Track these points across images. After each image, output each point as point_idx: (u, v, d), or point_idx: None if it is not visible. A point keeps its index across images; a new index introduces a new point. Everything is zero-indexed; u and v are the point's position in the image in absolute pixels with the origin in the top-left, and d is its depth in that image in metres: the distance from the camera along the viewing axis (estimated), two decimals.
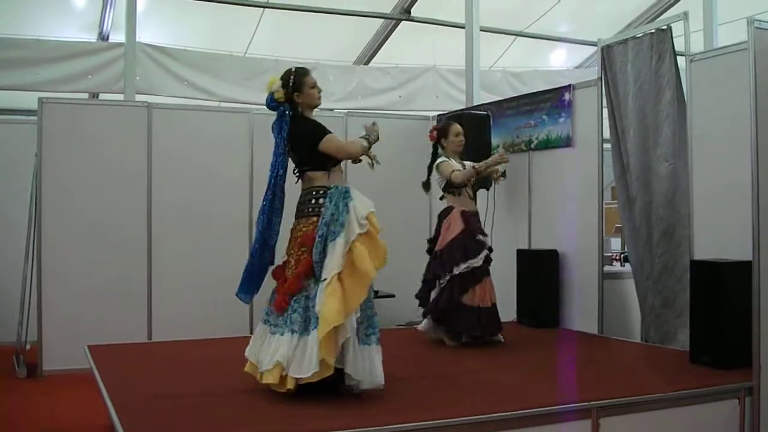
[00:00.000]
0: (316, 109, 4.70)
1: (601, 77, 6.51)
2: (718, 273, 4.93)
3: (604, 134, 6.58)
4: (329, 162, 4.51)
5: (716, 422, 4.55)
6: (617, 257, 8.60)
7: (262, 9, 10.21)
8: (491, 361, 5.51)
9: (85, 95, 9.96)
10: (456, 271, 5.93)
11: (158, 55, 9.91)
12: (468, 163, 6.20)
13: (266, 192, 4.49)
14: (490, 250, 6.14)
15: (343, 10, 10.40)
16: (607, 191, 6.86)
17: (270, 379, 4.20)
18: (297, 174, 4.57)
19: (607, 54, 6.48)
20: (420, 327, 6.27)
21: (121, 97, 8.79)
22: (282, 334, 4.24)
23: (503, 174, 6.46)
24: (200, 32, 10.61)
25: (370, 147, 4.64)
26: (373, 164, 4.69)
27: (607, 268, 6.94)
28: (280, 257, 4.57)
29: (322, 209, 4.35)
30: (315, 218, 4.37)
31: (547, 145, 7.04)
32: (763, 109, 4.59)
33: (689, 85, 5.61)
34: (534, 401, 4.17)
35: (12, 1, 9.51)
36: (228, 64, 10.49)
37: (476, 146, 6.71)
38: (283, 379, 4.18)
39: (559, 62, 12.94)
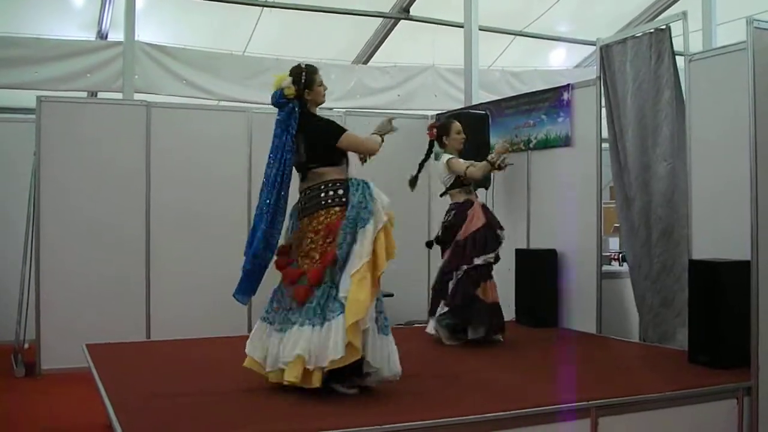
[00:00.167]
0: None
1: (600, 77, 6.51)
2: (717, 273, 4.93)
3: (603, 134, 6.58)
4: (341, 158, 4.57)
5: (715, 422, 4.55)
6: (616, 257, 8.60)
7: (261, 8, 10.21)
8: (490, 361, 5.51)
9: (84, 94, 9.96)
10: (475, 262, 5.97)
11: (157, 53, 9.90)
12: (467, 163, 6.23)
13: (269, 191, 4.41)
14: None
15: (342, 9, 10.41)
16: (605, 191, 6.87)
17: (292, 374, 4.15)
18: (299, 171, 4.57)
19: (606, 53, 6.48)
20: (428, 329, 6.22)
21: (119, 95, 8.80)
22: (301, 326, 4.22)
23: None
24: (199, 31, 10.61)
25: (382, 143, 4.70)
26: (365, 160, 4.72)
27: (605, 267, 6.94)
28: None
29: (344, 199, 4.41)
30: (338, 208, 4.40)
31: (545, 144, 7.04)
32: (762, 108, 4.59)
33: (688, 85, 5.61)
34: (533, 401, 4.17)
35: (11, 0, 9.50)
36: (227, 63, 10.49)
37: (475, 145, 6.71)
38: (307, 374, 4.16)
39: (558, 62, 12.94)
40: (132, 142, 7.29)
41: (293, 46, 10.76)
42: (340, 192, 4.44)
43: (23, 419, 5.59)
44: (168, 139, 7.39)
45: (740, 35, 4.81)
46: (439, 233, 6.32)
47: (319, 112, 4.72)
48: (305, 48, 10.76)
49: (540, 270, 6.80)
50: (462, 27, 9.08)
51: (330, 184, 4.47)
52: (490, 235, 6.08)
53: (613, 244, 8.79)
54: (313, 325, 4.20)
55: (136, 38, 8.75)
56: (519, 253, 7.06)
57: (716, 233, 5.32)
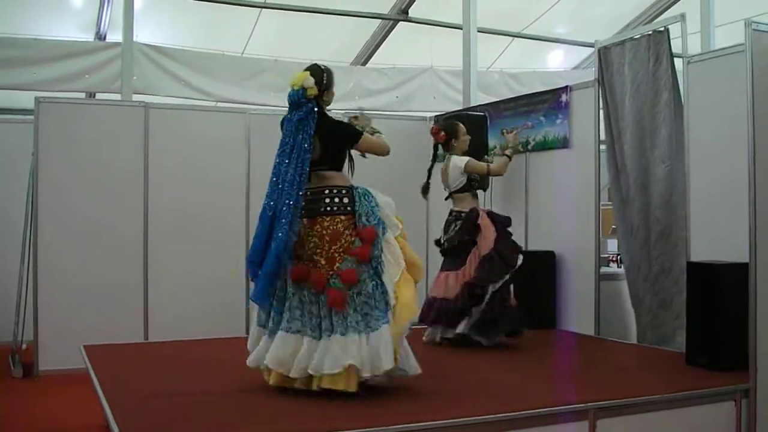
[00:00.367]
0: None
1: (599, 79, 6.51)
2: (715, 275, 4.93)
3: (601, 136, 6.58)
4: (345, 161, 4.57)
5: (712, 424, 4.55)
6: (614, 258, 8.60)
7: (259, 9, 10.21)
8: (488, 362, 5.51)
9: (82, 95, 9.96)
10: (507, 275, 5.97)
11: (155, 54, 9.90)
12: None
13: (289, 191, 4.27)
14: None
15: (340, 10, 10.40)
16: (603, 192, 6.87)
17: (341, 383, 4.15)
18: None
19: (605, 55, 6.48)
20: (425, 338, 6.18)
21: (118, 96, 8.80)
22: (343, 334, 4.21)
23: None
24: (197, 32, 10.61)
25: None
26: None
27: (603, 269, 6.94)
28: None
29: (349, 208, 4.41)
30: (343, 217, 4.40)
31: (544, 146, 7.04)
32: (761, 111, 4.59)
33: (686, 87, 5.62)
34: (531, 402, 4.16)
35: (9, 0, 9.50)
36: (225, 64, 10.49)
37: (474, 147, 6.70)
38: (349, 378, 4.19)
39: (557, 63, 12.95)
40: (130, 143, 7.29)
41: (291, 47, 10.76)
42: (345, 200, 4.44)
43: (21, 420, 5.58)
44: (166, 140, 7.39)
45: (738, 37, 4.81)
46: (444, 243, 6.26)
47: None
48: (303, 49, 10.75)
49: (538, 272, 6.79)
50: (460, 28, 9.08)
51: (335, 190, 4.46)
52: (510, 243, 6.11)
53: (611, 245, 8.79)
54: (359, 333, 4.21)
55: (134, 39, 8.75)
56: None
57: (714, 235, 5.32)
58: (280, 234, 4.22)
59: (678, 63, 5.92)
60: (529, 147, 7.17)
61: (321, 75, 4.52)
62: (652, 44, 6.05)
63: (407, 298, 4.35)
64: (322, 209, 4.41)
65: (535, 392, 4.50)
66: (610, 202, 7.04)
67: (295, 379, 4.29)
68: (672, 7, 11.14)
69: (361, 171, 4.72)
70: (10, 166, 8.04)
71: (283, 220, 4.23)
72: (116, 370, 4.97)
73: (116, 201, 7.21)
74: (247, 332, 7.09)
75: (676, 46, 5.95)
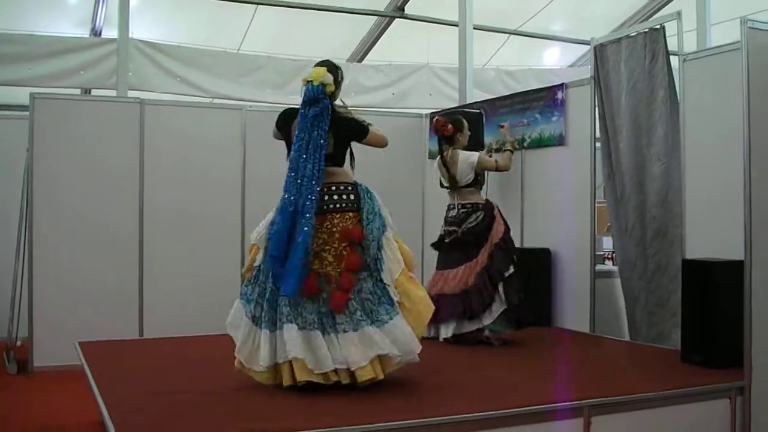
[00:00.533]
0: None
1: (595, 76, 6.51)
2: (710, 273, 4.93)
3: (597, 133, 6.58)
4: (348, 158, 4.60)
5: (707, 422, 4.56)
6: (609, 256, 8.61)
7: (255, 5, 10.19)
8: (483, 360, 5.51)
9: (78, 91, 9.94)
10: (515, 261, 6.10)
11: (151, 51, 9.90)
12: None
13: (308, 188, 4.29)
14: None
15: (336, 7, 10.40)
16: (599, 190, 6.88)
17: (368, 374, 4.26)
18: None
19: (601, 53, 6.49)
20: (449, 335, 6.11)
21: (113, 93, 8.79)
22: (356, 330, 4.28)
23: None
24: (193, 28, 10.59)
25: None
26: None
27: (599, 266, 6.95)
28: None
29: (356, 204, 4.47)
30: (351, 213, 4.45)
31: (539, 143, 7.04)
32: (756, 108, 4.59)
33: (682, 85, 5.62)
34: (525, 400, 4.16)
35: None
36: (221, 60, 10.49)
37: (470, 144, 6.70)
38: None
39: (553, 61, 12.96)
40: (126, 139, 7.28)
41: (287, 44, 10.77)
42: (352, 197, 4.49)
43: (15, 417, 5.57)
44: (162, 136, 7.37)
45: (734, 35, 4.82)
46: (459, 235, 6.19)
47: None
48: (300, 46, 10.77)
49: (533, 269, 6.79)
50: (457, 26, 9.08)
51: (342, 187, 4.49)
52: (510, 235, 6.23)
53: (607, 243, 8.80)
54: (371, 324, 4.30)
55: (130, 35, 8.74)
56: None
57: (710, 233, 5.33)
58: (306, 228, 4.24)
59: (674, 61, 5.92)
60: (525, 144, 7.17)
61: (336, 71, 4.58)
62: (648, 42, 6.05)
63: (421, 295, 4.52)
64: (332, 206, 4.44)
65: (530, 389, 4.50)
66: (605, 200, 7.04)
67: (307, 372, 4.26)
68: (668, 5, 11.15)
69: (357, 167, 4.72)
70: (5, 163, 8.02)
71: (308, 215, 4.26)
72: (112, 367, 4.96)
73: (111, 197, 7.19)
74: None
75: (672, 44, 5.96)
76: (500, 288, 5.97)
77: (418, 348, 4.40)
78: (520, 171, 7.22)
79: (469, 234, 6.14)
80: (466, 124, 6.41)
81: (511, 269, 6.04)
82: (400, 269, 4.46)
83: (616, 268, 6.98)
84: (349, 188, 4.52)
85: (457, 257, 6.18)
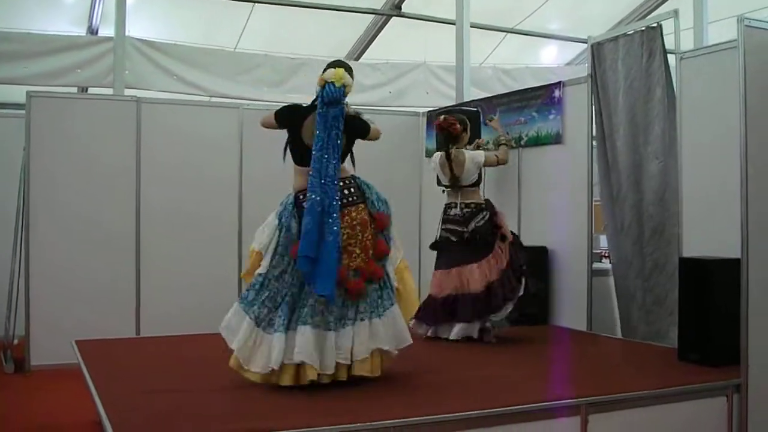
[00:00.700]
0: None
1: (592, 74, 6.51)
2: (707, 271, 4.94)
3: (594, 131, 6.58)
4: (347, 154, 4.65)
5: (704, 420, 4.56)
6: (606, 254, 8.60)
7: (252, 4, 10.18)
8: (480, 358, 5.51)
9: (74, 89, 9.93)
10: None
11: (148, 49, 9.89)
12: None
13: (332, 188, 4.35)
14: None
15: (333, 5, 10.39)
16: (596, 188, 6.87)
17: (366, 369, 4.39)
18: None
19: (598, 51, 6.49)
20: (464, 334, 6.12)
21: (110, 91, 8.78)
22: (363, 320, 4.41)
23: None
24: (190, 27, 10.58)
25: None
26: None
27: (596, 264, 6.95)
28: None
29: (362, 196, 4.57)
30: (363, 205, 4.55)
31: (537, 142, 7.04)
32: (753, 106, 4.60)
33: (679, 83, 5.62)
34: (522, 398, 4.16)
35: None
36: (218, 59, 10.49)
37: (468, 142, 6.71)
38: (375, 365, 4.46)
39: (550, 59, 12.96)
40: (122, 137, 7.26)
41: (284, 42, 10.77)
42: (354, 189, 4.55)
43: (13, 415, 5.57)
44: (158, 135, 7.36)
45: (731, 34, 4.82)
46: (470, 235, 6.17)
47: None
48: (297, 44, 10.78)
49: (530, 267, 6.78)
50: (454, 24, 9.08)
51: (347, 181, 4.54)
52: None
53: (604, 241, 8.78)
54: (378, 316, 4.44)
55: (126, 34, 8.72)
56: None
57: (707, 231, 5.33)
58: (335, 228, 4.31)
59: (671, 59, 5.92)
60: (522, 143, 7.17)
61: (351, 72, 4.61)
62: (645, 40, 6.05)
63: (414, 287, 4.78)
64: (346, 200, 4.49)
65: (526, 387, 4.51)
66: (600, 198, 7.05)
67: (315, 373, 4.29)
68: (665, 3, 11.17)
69: (358, 166, 4.73)
70: (2, 161, 7.99)
71: (335, 215, 4.33)
72: (108, 366, 4.95)
73: (108, 196, 7.18)
74: None
75: (669, 42, 5.96)
76: (522, 281, 6.09)
77: (409, 338, 4.59)
78: (517, 169, 7.22)
79: (476, 233, 6.14)
80: (468, 123, 6.43)
81: (523, 264, 6.17)
82: (401, 256, 4.66)
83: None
84: (351, 181, 4.58)
85: (465, 257, 6.15)
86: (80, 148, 7.10)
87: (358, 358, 4.37)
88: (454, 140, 6.30)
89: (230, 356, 4.43)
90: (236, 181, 7.61)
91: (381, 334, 4.42)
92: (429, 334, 6.16)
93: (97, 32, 10.14)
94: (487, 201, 6.33)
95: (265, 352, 4.32)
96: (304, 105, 4.65)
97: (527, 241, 7.01)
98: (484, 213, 6.19)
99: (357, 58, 11.64)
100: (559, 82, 6.93)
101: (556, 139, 6.83)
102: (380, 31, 11.32)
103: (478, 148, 6.69)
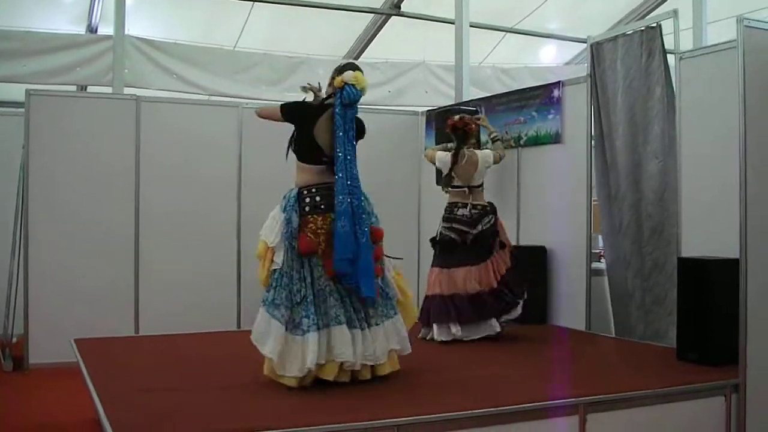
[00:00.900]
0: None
1: (591, 74, 6.51)
2: (706, 270, 4.94)
3: (593, 131, 6.59)
4: None
5: (703, 419, 4.57)
6: (604, 254, 8.59)
7: (251, 2, 10.18)
8: (479, 357, 5.52)
9: (74, 88, 9.92)
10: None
11: (147, 48, 9.89)
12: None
13: (356, 189, 4.43)
14: None
15: (333, 4, 10.38)
16: (595, 188, 6.87)
17: (387, 368, 4.55)
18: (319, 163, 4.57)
19: (597, 51, 6.49)
20: (432, 335, 6.13)
21: (109, 90, 8.78)
22: (378, 324, 4.50)
23: None
24: (190, 25, 10.58)
25: None
26: None
27: (594, 264, 6.95)
28: None
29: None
30: None
31: (536, 141, 7.04)
32: (752, 106, 4.60)
33: (678, 83, 5.62)
34: (521, 397, 4.17)
35: None
36: (217, 57, 10.49)
37: None
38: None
39: (549, 59, 12.95)
40: (121, 136, 7.25)
41: (284, 41, 10.76)
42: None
43: (11, 414, 5.56)
44: (158, 133, 7.34)
45: (730, 34, 4.82)
46: (469, 237, 6.17)
47: None
48: (296, 43, 10.77)
49: (529, 267, 6.79)
50: (453, 23, 9.08)
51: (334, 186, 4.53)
52: None
53: (603, 241, 8.80)
54: (389, 318, 4.56)
55: (126, 32, 8.72)
56: None
57: (706, 231, 5.33)
58: (366, 229, 4.42)
59: (670, 59, 5.92)
60: (521, 142, 7.17)
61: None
62: (644, 40, 6.05)
63: (410, 294, 4.85)
64: (332, 205, 4.48)
65: (526, 387, 4.51)
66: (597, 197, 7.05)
67: (348, 375, 4.41)
68: (664, 3, 11.16)
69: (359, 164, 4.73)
70: (1, 159, 7.97)
71: (363, 216, 4.43)
72: (107, 364, 4.96)
73: (107, 194, 7.17)
74: (239, 327, 7.13)
75: (668, 42, 5.96)
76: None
77: (409, 345, 4.69)
78: (516, 169, 7.22)
79: (482, 236, 6.16)
80: None
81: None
82: (392, 266, 4.70)
83: None
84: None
85: (469, 257, 6.16)
86: (79, 146, 7.09)
87: (381, 360, 4.49)
88: (464, 140, 6.30)
89: (263, 362, 4.42)
90: (235, 179, 7.60)
91: (393, 334, 4.56)
92: (425, 336, 6.16)
93: (96, 31, 10.13)
94: (491, 204, 6.33)
95: (297, 354, 4.28)
96: (313, 103, 4.64)
97: (526, 240, 7.03)
98: (490, 217, 6.22)
99: (356, 57, 11.62)
100: (559, 82, 6.93)
101: (556, 138, 6.83)
102: (380, 30, 11.31)
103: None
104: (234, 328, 7.15)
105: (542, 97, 7.01)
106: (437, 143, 6.89)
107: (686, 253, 5.40)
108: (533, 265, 6.80)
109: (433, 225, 6.48)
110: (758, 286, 4.60)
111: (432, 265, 6.34)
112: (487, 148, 6.66)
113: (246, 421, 3.72)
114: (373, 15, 11.05)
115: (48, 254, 6.93)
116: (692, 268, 5.05)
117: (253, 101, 8.42)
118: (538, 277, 6.81)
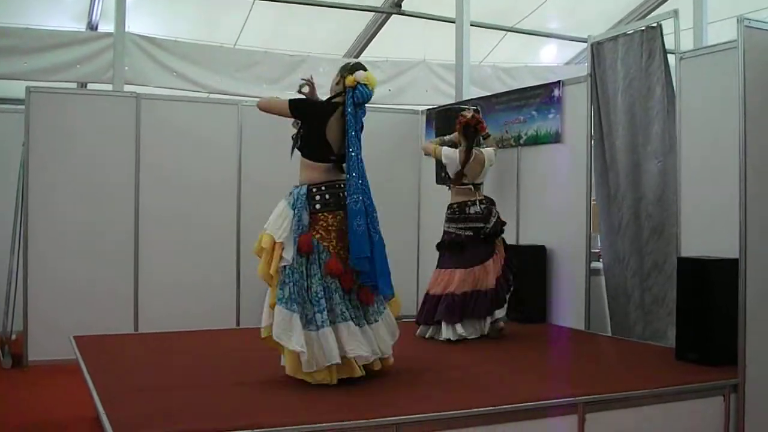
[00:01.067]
0: None
1: (591, 74, 6.51)
2: (705, 270, 4.94)
3: (593, 131, 6.58)
4: None
5: (702, 419, 4.57)
6: None
7: (252, 0, 10.18)
8: (478, 356, 5.51)
9: (74, 85, 9.91)
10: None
11: (147, 45, 9.88)
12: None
13: (367, 188, 4.49)
14: None
15: (333, 2, 10.39)
16: (595, 188, 6.87)
17: (389, 363, 4.64)
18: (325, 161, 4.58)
19: (597, 51, 6.49)
20: (437, 334, 6.13)
21: (109, 87, 8.78)
22: (376, 321, 4.55)
23: None
24: (190, 23, 10.58)
25: None
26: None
27: (594, 264, 6.95)
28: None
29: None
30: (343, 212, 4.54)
31: (536, 140, 7.04)
32: (752, 106, 4.60)
33: (679, 83, 5.62)
34: (520, 396, 4.17)
35: None
36: (218, 55, 10.49)
37: None
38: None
39: (550, 58, 12.96)
40: (121, 133, 7.25)
41: (284, 39, 10.76)
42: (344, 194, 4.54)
43: (10, 410, 5.57)
44: (158, 131, 7.35)
45: (730, 34, 4.82)
46: (484, 231, 6.18)
47: None
48: (296, 41, 10.77)
49: (529, 266, 6.80)
50: (454, 22, 9.08)
51: (342, 185, 4.52)
52: None
53: (600, 241, 8.79)
54: (382, 315, 4.60)
55: (126, 30, 8.72)
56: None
57: (705, 231, 5.33)
58: (379, 227, 4.50)
59: (671, 59, 5.92)
60: (521, 141, 7.17)
61: None
62: (645, 40, 6.05)
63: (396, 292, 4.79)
64: (339, 203, 4.51)
65: (524, 386, 4.52)
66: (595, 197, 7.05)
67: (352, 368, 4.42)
68: (665, 3, 11.17)
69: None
70: (1, 157, 7.97)
71: (375, 214, 4.49)
72: (106, 361, 4.96)
73: (107, 191, 7.16)
74: (238, 325, 7.12)
75: (668, 42, 5.96)
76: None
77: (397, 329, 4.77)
78: (516, 168, 7.22)
79: (493, 229, 6.20)
80: None
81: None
82: None
83: None
84: (344, 185, 4.57)
85: (482, 253, 6.18)
86: (79, 143, 7.08)
87: (387, 354, 4.58)
88: (472, 139, 6.29)
89: (287, 362, 4.38)
90: (235, 177, 7.60)
91: (391, 332, 4.65)
92: (428, 335, 6.15)
93: (96, 28, 10.13)
94: (489, 197, 6.39)
95: (318, 350, 4.28)
96: (322, 101, 4.65)
97: (526, 239, 7.04)
98: (495, 209, 6.26)
99: (357, 56, 11.62)
100: (559, 81, 6.93)
101: (556, 138, 6.83)
102: (380, 29, 11.31)
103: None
104: (234, 326, 7.16)
105: (542, 96, 7.01)
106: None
107: (686, 253, 5.40)
108: (533, 265, 6.80)
109: (433, 224, 6.48)
110: (758, 286, 4.61)
111: (442, 267, 6.25)
112: (484, 146, 6.66)
113: (247, 418, 3.72)
114: (373, 13, 11.06)
115: (47, 251, 6.92)
116: (692, 268, 5.05)
117: (253, 99, 8.42)
118: (537, 276, 6.81)
